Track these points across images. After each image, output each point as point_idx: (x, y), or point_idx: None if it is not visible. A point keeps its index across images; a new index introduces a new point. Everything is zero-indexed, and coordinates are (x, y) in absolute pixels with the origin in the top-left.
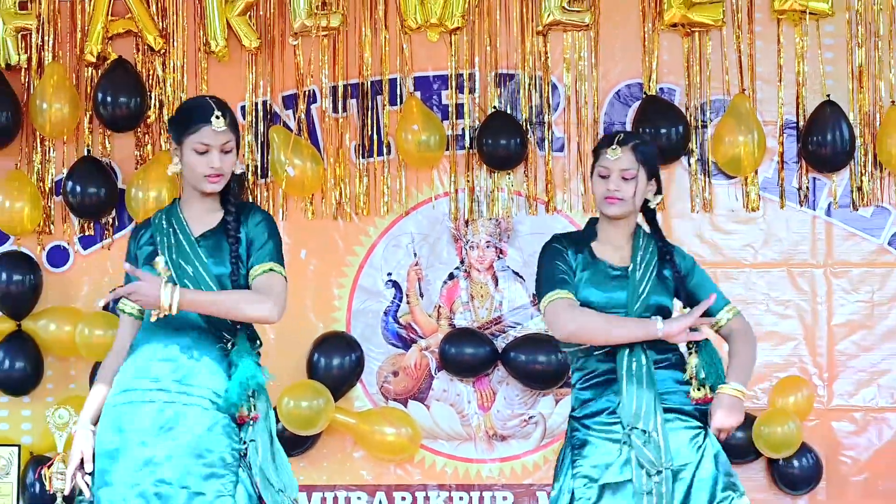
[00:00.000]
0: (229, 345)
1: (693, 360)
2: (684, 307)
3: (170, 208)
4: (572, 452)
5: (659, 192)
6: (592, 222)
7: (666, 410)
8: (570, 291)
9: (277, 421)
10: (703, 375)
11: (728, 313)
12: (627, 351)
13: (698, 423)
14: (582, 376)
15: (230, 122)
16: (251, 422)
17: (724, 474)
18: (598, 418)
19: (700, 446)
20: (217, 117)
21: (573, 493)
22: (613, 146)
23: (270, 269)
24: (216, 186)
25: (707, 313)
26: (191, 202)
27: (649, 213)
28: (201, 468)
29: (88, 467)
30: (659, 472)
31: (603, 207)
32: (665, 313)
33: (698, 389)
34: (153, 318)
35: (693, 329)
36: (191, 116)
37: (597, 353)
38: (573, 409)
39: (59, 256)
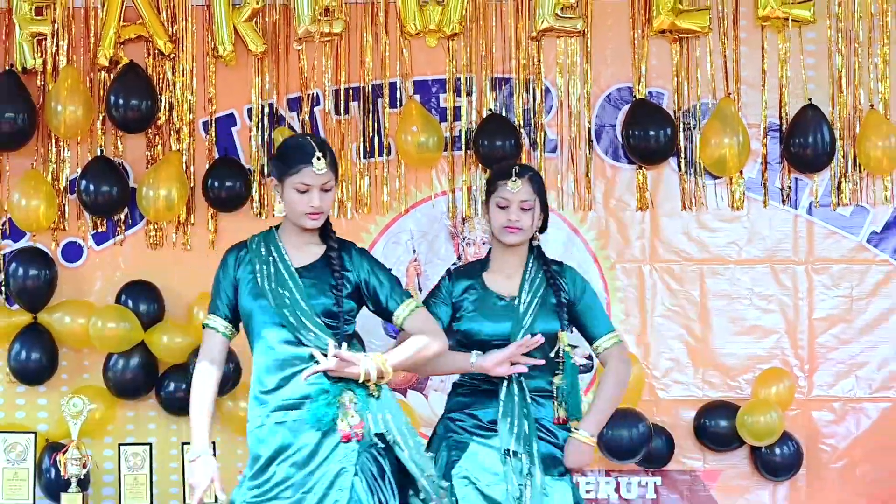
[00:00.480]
0: None
1: (556, 380)
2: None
3: (267, 235)
4: (450, 452)
5: (545, 223)
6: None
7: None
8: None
9: None
10: (563, 396)
11: (608, 341)
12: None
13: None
14: (464, 382)
15: (330, 163)
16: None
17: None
18: (477, 423)
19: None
20: (318, 158)
21: (451, 490)
22: (513, 178)
23: (417, 307)
24: (315, 223)
25: (589, 338)
26: (289, 234)
27: (535, 246)
28: None
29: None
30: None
31: (503, 237)
32: (552, 340)
33: (559, 409)
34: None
35: (515, 362)
36: (293, 156)
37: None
38: (451, 411)
39: (73, 252)
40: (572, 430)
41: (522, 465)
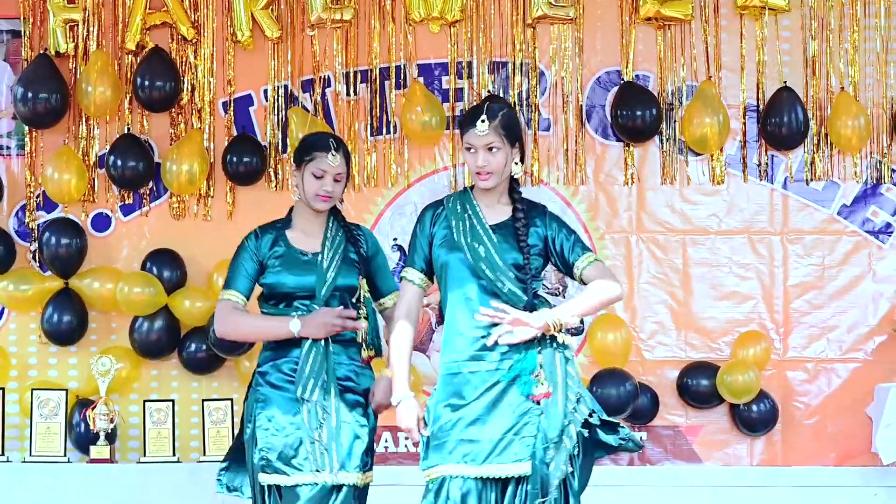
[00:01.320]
0: None
1: (363, 325)
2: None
3: (462, 196)
4: (254, 405)
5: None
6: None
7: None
8: (242, 292)
9: None
10: (369, 338)
11: (392, 299)
12: None
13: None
14: None
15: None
16: None
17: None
18: (281, 375)
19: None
20: (332, 155)
21: (256, 439)
22: (332, 153)
23: (595, 259)
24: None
25: (376, 293)
26: (483, 194)
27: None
28: None
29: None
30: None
31: (315, 203)
32: (353, 291)
33: (365, 350)
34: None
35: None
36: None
37: None
38: (259, 365)
39: (101, 222)
40: (380, 370)
41: (317, 410)
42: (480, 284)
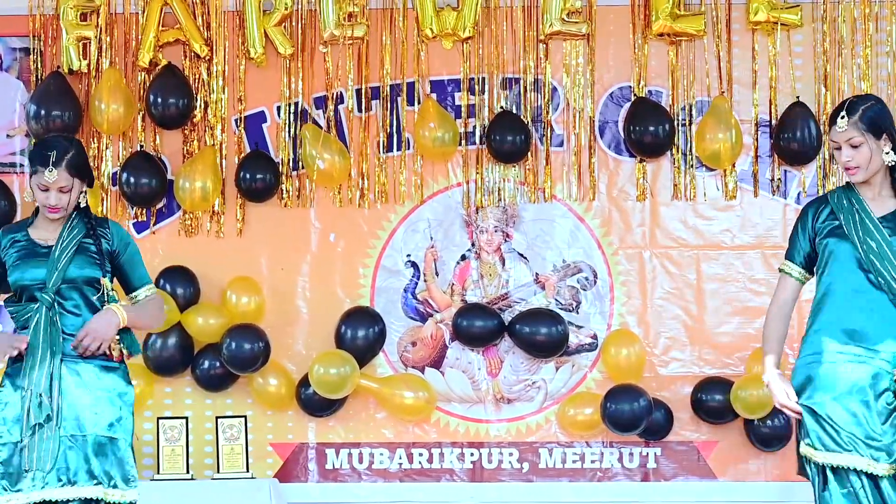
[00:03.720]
0: None
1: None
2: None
3: (846, 191)
4: None
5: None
6: None
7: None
8: None
9: (308, 385)
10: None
11: (146, 291)
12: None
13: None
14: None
15: None
16: None
17: None
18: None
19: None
20: None
21: None
22: None
23: None
24: (857, 178)
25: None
26: (864, 187)
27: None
28: None
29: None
30: (41, 427)
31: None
32: (94, 284)
33: (116, 348)
34: None
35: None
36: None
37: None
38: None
39: None
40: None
41: (41, 400)
42: (868, 277)
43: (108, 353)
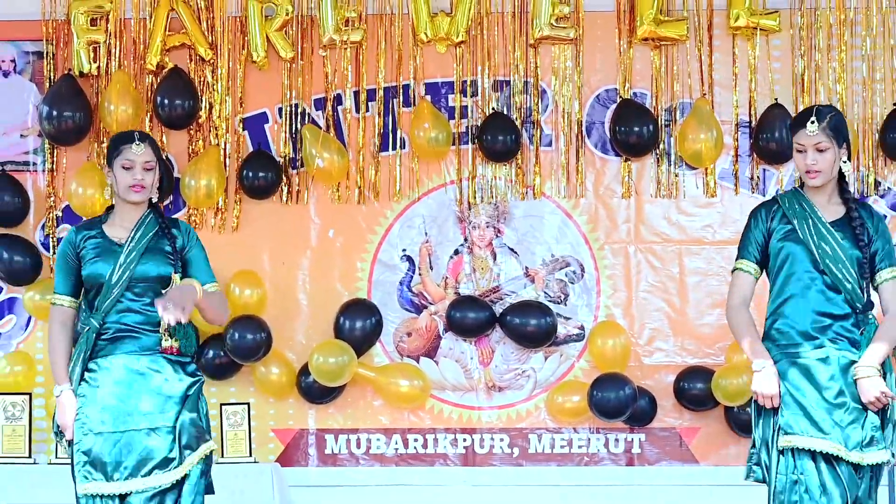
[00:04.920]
0: None
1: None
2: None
3: (796, 194)
4: None
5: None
6: None
7: None
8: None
9: (308, 374)
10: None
11: (212, 288)
12: None
13: None
14: None
15: None
16: None
17: None
18: None
19: None
20: None
21: None
22: (136, 142)
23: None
24: (816, 182)
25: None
26: (814, 192)
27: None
28: None
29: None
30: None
31: (128, 195)
32: (165, 282)
33: (167, 339)
34: None
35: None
36: None
37: None
38: None
39: None
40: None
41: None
42: (824, 280)
43: (166, 344)
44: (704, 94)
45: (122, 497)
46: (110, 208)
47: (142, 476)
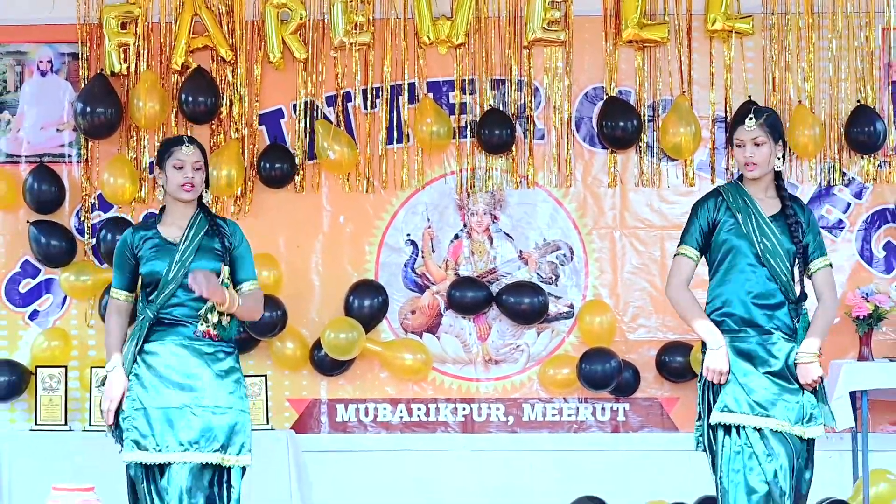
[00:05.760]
0: None
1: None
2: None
3: (737, 188)
4: None
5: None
6: None
7: None
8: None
9: (320, 348)
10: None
11: (251, 286)
12: None
13: None
14: None
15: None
16: None
17: None
18: None
19: None
20: None
21: None
22: (186, 144)
23: (828, 265)
24: (754, 174)
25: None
26: (753, 186)
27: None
28: None
29: None
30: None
31: (179, 194)
32: (215, 274)
33: (203, 325)
34: None
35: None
36: None
37: None
38: None
39: None
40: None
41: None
42: (763, 272)
43: (202, 328)
44: (684, 92)
45: (162, 470)
46: (162, 209)
47: (183, 450)
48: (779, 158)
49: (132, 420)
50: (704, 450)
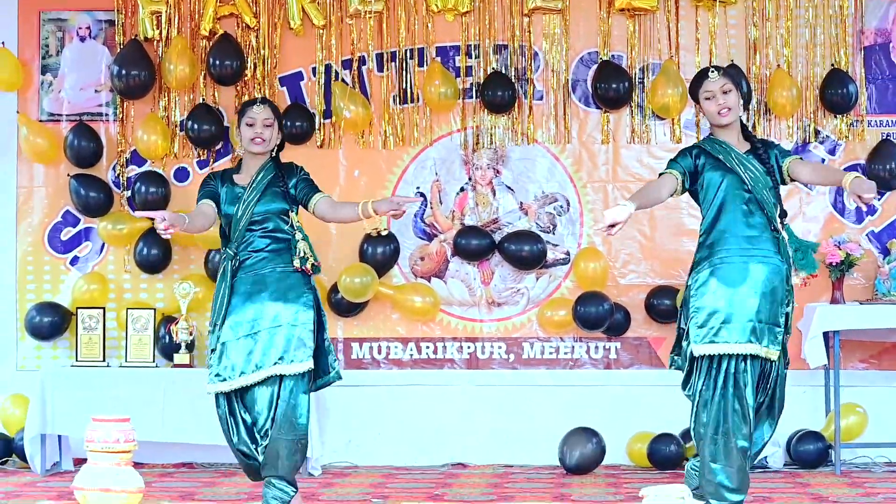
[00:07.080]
0: None
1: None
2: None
3: (711, 139)
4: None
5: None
6: None
7: None
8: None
9: (337, 291)
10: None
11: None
12: None
13: None
14: None
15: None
16: None
17: None
18: None
19: None
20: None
21: None
22: (259, 104)
23: (798, 157)
24: (728, 119)
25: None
26: (725, 134)
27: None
28: None
29: None
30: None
31: (251, 147)
32: (283, 216)
33: (296, 259)
34: None
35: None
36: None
37: None
38: None
39: (182, 175)
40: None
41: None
42: (752, 199)
43: (297, 264)
44: (672, 56)
45: (243, 394)
46: (240, 162)
47: (261, 368)
48: (741, 105)
49: (222, 349)
50: (678, 368)
